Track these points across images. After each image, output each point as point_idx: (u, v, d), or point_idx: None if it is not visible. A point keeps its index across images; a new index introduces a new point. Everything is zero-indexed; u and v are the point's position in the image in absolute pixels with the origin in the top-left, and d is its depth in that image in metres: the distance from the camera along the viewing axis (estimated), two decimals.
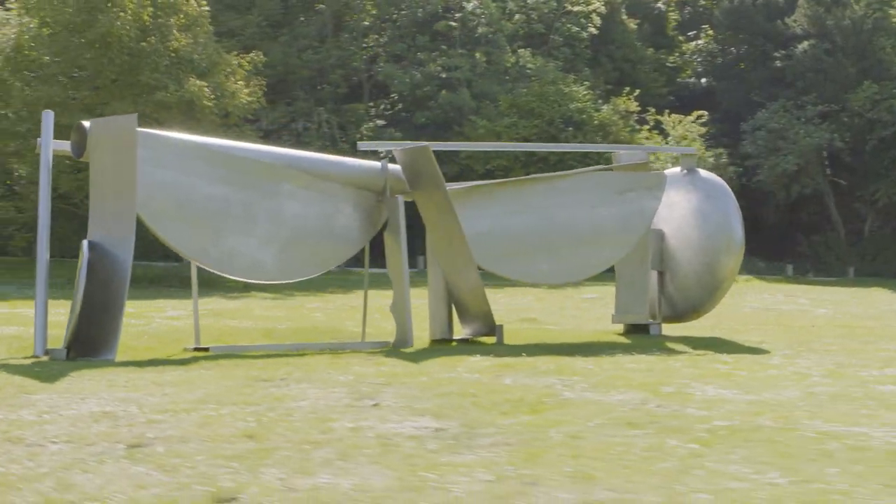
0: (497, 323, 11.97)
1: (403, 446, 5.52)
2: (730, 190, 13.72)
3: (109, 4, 26.80)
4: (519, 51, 44.59)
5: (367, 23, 47.57)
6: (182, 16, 28.49)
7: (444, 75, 42.57)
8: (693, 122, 43.43)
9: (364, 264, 12.56)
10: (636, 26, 53.53)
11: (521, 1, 47.68)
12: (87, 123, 10.21)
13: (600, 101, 44.13)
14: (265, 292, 25.25)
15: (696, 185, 13.58)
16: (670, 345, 12.21)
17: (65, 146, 10.66)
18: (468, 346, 11.53)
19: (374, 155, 12.95)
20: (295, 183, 11.07)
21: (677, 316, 13.79)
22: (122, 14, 26.60)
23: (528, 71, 43.67)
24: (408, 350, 10.94)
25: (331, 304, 21.34)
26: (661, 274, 13.66)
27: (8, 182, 33.15)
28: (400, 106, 45.64)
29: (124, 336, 12.05)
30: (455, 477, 4.83)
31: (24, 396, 7.09)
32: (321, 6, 45.32)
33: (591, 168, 14.62)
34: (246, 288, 24.95)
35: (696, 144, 43.42)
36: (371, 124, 43.47)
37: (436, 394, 7.36)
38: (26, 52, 27.41)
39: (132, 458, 5.23)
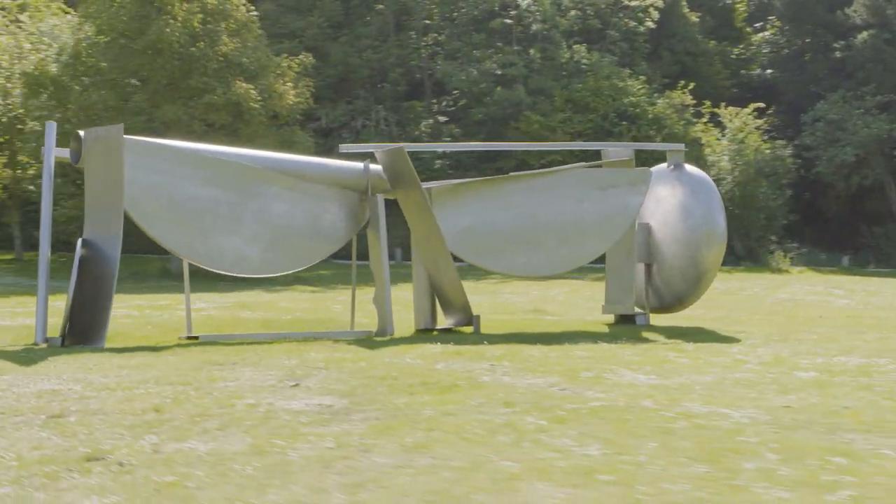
0: (475, 313, 12.59)
1: (280, 419, 6.20)
2: (714, 185, 14.07)
3: (160, 13, 28.01)
4: (574, 46, 44.88)
5: (428, 21, 48.29)
6: (231, 21, 29.55)
7: (499, 72, 43.19)
8: (750, 114, 43.21)
9: (352, 258, 13.27)
10: (698, 19, 53.27)
11: None
12: (82, 133, 11.08)
13: (656, 95, 44.19)
14: (308, 286, 26.16)
15: (682, 181, 13.96)
16: (646, 334, 12.63)
17: (65, 153, 11.48)
18: (445, 335, 12.14)
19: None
20: (280, 184, 11.83)
21: (664, 307, 14.20)
22: (171, 21, 27.77)
23: (584, 66, 43.97)
24: (384, 338, 11.63)
25: (361, 296, 22.06)
26: (648, 266, 14.10)
27: (78, 182, 34.69)
28: (463, 102, 46.32)
29: (131, 325, 13.03)
30: (301, 444, 5.50)
31: None
32: (380, 6, 46.20)
33: (574, 165, 15.13)
34: (293, 281, 25.91)
35: (753, 136, 43.27)
36: (430, 121, 44.29)
37: (361, 377, 8.02)
38: (84, 59, 28.77)
39: (45, 426, 6.03)
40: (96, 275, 10.52)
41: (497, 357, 9.44)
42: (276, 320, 14.36)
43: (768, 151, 42.92)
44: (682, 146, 14.58)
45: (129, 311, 15.66)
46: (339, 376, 8.01)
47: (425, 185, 13.04)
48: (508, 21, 44.90)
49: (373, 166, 12.47)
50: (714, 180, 41.90)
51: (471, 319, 12.51)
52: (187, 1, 28.43)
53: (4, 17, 33.02)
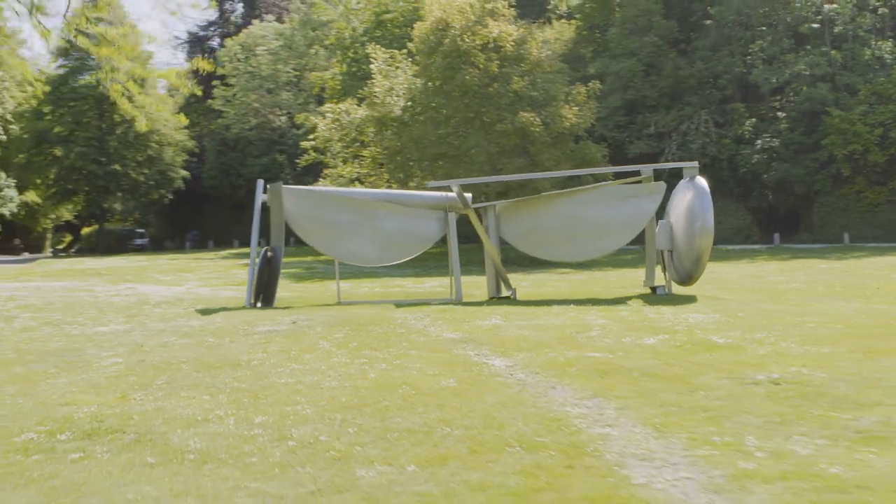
0: (514, 287, 18.35)
1: (237, 331, 12.98)
2: (708, 190, 18.16)
3: (466, 63, 35.36)
4: (878, 43, 45.51)
5: (763, 28, 51.03)
6: (525, 63, 36.08)
7: (807, 72, 45.32)
8: None
9: (449, 250, 19.39)
10: None
11: None
12: (268, 186, 18.54)
13: None
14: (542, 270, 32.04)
15: (691, 188, 18.31)
16: (634, 300, 17.40)
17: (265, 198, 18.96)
18: (498, 300, 18.01)
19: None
20: (385, 209, 18.50)
21: (681, 281, 18.67)
22: (471, 70, 35.00)
23: (888, 60, 44.58)
24: (451, 303, 17.74)
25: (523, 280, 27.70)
26: (670, 252, 18.71)
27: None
28: (776, 103, 48.88)
29: (316, 293, 20.32)
30: (235, 346, 12.24)
31: (172, 321, 15.47)
32: (709, 22, 50.00)
33: (606, 183, 19.80)
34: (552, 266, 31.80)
35: None
36: (753, 120, 47.48)
37: (334, 320, 14.47)
38: (417, 102, 36.91)
39: (151, 336, 13.32)
40: (273, 267, 17.94)
41: (440, 312, 15.34)
42: (413, 293, 21.04)
43: None
44: (695, 164, 18.84)
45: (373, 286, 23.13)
46: (321, 319, 14.53)
47: (495, 203, 19.05)
48: (815, 25, 46.69)
49: (449, 194, 18.67)
50: None
51: (512, 291, 18.32)
52: (488, 51, 35.54)
53: (391, 63, 41.91)
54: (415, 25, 38.97)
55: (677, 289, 18.96)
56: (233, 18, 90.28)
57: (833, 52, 45.64)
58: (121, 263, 43.39)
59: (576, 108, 36.51)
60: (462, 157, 34.82)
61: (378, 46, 43.31)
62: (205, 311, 16.61)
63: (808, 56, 45.66)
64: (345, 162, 42.99)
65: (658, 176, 19.69)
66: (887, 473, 6.26)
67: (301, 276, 30.15)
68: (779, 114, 47.95)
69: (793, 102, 46.04)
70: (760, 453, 6.77)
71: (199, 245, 75.74)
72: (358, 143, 42.10)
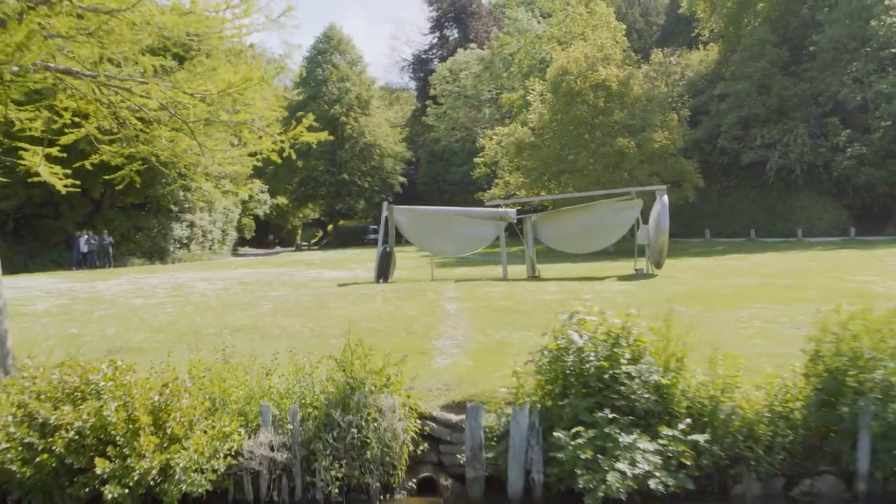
0: (540, 269, 26.06)
1: (348, 295, 21.63)
2: (667, 203, 25.06)
3: (578, 101, 42.66)
4: None
5: (868, 50, 54.58)
6: (628, 97, 42.87)
7: (887, 90, 49.03)
8: None
9: (501, 246, 27.19)
10: None
11: None
12: (387, 205, 27.07)
13: None
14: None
15: (659, 202, 25.35)
16: (610, 278, 24.67)
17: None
18: (528, 278, 25.77)
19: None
20: (457, 219, 26.69)
21: (655, 265, 25.65)
22: (581, 105, 42.26)
23: None
24: (497, 280, 25.66)
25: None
26: (648, 245, 25.82)
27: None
28: (878, 113, 52.37)
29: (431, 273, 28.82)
30: (333, 300, 20.95)
31: (318, 289, 24.33)
32: (812, 48, 54.28)
33: (606, 199, 26.94)
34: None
35: None
36: (847, 131, 51.57)
37: (406, 284, 22.84)
38: (544, 129, 44.62)
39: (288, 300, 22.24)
40: (389, 257, 26.50)
41: (473, 284, 23.38)
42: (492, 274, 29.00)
43: None
44: (664, 187, 25.81)
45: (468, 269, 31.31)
46: (399, 287, 22.87)
47: (532, 215, 26.88)
48: (894, 50, 50.05)
49: (499, 210, 26.60)
50: None
51: (538, 272, 26.08)
52: (597, 90, 42.70)
53: (543, 93, 49.66)
54: (547, 70, 46.64)
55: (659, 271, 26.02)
56: (451, 40, 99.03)
57: None
58: (337, 256, 53.37)
59: (666, 132, 42.86)
60: (577, 173, 42.13)
61: (536, 79, 51.11)
62: (342, 284, 25.40)
63: (889, 76, 49.41)
64: (510, 173, 51.00)
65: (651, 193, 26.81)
66: (529, 344, 13.92)
67: (445, 264, 38.77)
68: (881, 123, 51.40)
69: (878, 117, 49.78)
70: (497, 337, 14.57)
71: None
72: (517, 159, 49.97)
